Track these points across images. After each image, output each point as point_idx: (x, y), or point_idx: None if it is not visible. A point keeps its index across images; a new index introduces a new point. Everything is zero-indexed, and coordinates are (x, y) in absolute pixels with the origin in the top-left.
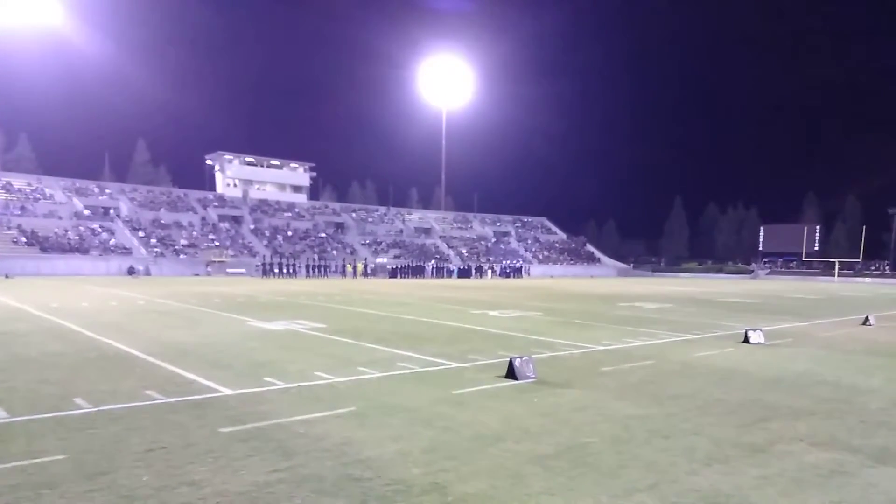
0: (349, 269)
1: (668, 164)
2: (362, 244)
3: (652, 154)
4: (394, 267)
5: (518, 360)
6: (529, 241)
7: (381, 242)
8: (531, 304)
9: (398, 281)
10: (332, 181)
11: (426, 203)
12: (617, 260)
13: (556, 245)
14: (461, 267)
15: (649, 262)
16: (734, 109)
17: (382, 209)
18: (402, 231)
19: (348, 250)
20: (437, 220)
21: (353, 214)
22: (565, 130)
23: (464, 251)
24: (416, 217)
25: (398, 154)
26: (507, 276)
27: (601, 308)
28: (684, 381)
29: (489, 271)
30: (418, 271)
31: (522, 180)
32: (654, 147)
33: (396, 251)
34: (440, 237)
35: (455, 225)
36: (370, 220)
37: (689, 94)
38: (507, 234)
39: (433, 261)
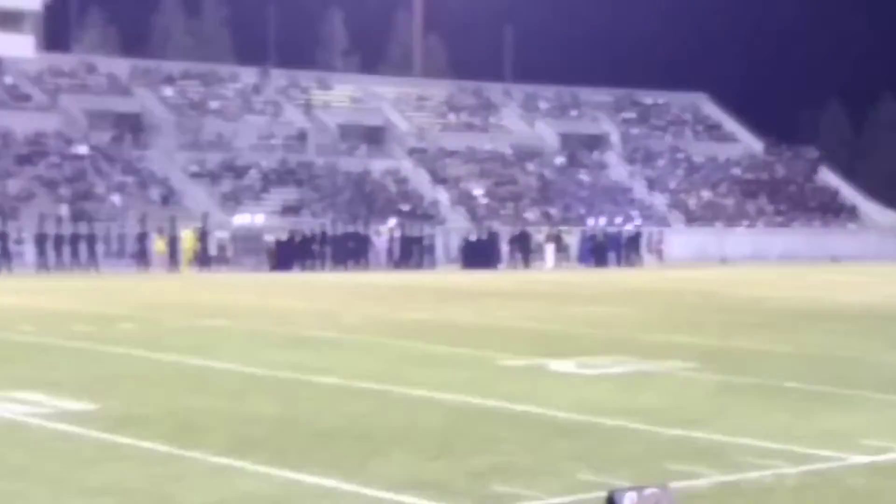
0: (159, 247)
1: None
2: (193, 173)
3: None
4: (282, 239)
5: (630, 497)
6: (661, 163)
7: (242, 167)
8: (668, 341)
9: (297, 277)
10: (109, 6)
11: (370, 62)
12: None
13: (737, 172)
14: (469, 238)
15: None
16: None
17: (247, 73)
18: (300, 135)
19: (155, 195)
20: (399, 100)
21: (166, 91)
22: None
23: (476, 191)
24: (342, 94)
25: None
26: (601, 257)
27: (860, 348)
28: None
29: (551, 246)
30: (356, 249)
31: None
32: None
33: (289, 192)
34: (409, 151)
35: (453, 116)
36: (212, 104)
37: None
38: (597, 140)
39: (393, 219)
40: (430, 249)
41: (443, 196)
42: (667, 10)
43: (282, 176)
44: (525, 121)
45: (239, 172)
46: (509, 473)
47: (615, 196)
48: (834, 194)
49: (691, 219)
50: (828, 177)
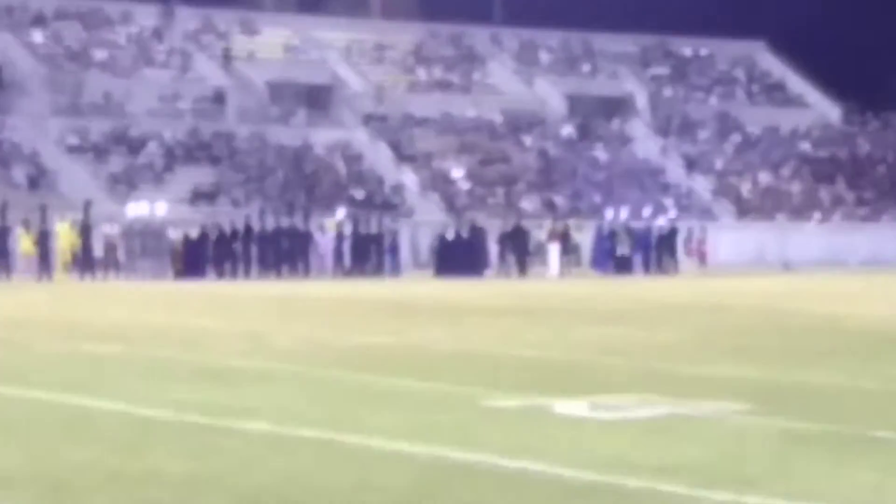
0: (25, 246)
1: None
2: (71, 147)
3: None
4: (191, 236)
5: None
6: (704, 136)
7: (138, 139)
8: (712, 374)
9: (212, 288)
10: None
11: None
12: None
13: (806, 148)
14: (446, 235)
15: None
16: None
17: (144, 13)
18: (216, 96)
19: (20, 175)
20: (350, 50)
21: (34, 36)
22: None
23: (455, 172)
24: (273, 41)
25: None
26: (623, 262)
27: None
28: None
29: (555, 246)
30: (292, 249)
31: None
32: None
33: (202, 172)
34: (365, 118)
35: (424, 72)
36: (97, 54)
37: None
38: (618, 105)
39: (342, 210)
40: (393, 250)
41: (410, 179)
42: None
43: (191, 151)
44: (521, 78)
45: (133, 146)
46: None
47: (642, 179)
48: None
49: (744, 210)
50: None
